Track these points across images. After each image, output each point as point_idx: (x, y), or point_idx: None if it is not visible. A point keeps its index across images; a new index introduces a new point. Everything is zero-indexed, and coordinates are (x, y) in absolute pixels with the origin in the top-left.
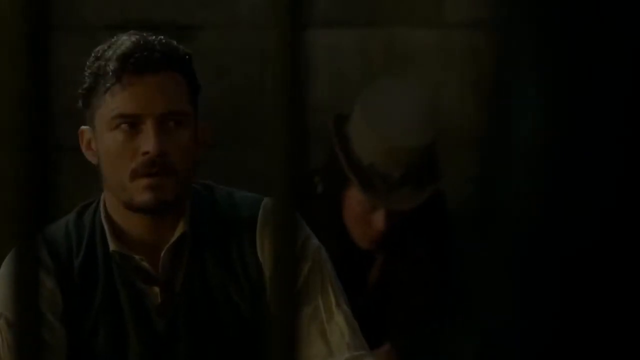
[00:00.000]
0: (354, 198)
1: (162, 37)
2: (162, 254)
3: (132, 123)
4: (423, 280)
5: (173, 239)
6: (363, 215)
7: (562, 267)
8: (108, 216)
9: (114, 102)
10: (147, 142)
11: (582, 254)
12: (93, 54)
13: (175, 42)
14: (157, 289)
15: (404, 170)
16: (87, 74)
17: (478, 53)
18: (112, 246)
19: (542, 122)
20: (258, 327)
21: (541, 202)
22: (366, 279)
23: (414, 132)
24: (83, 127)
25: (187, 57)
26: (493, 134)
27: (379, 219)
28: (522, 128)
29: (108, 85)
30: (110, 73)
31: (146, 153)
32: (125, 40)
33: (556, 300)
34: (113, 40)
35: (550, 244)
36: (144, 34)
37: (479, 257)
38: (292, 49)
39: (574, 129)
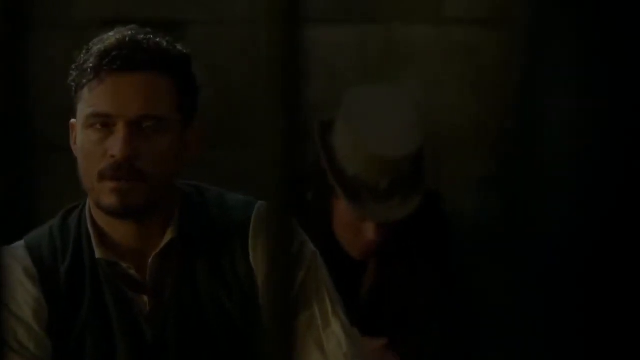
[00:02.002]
0: (343, 207)
1: (156, 36)
2: (149, 261)
3: (105, 123)
4: (420, 285)
5: (161, 245)
6: (353, 225)
7: (591, 273)
8: (93, 221)
9: (90, 99)
10: (115, 145)
11: (612, 260)
12: (85, 47)
13: (168, 43)
14: (145, 297)
15: (390, 181)
16: (74, 66)
17: (478, 50)
18: (98, 253)
19: (573, 123)
20: (250, 336)
21: (573, 206)
22: (359, 287)
23: (399, 142)
24: (73, 120)
25: (181, 59)
26: (522, 134)
27: (369, 229)
28: (553, 128)
29: (85, 81)
30: (89, 69)
31: (113, 156)
32: (111, 36)
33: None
34: (108, 35)
35: (579, 251)
36: (139, 31)
37: (499, 264)
38: (289, 46)
39: (608, 129)
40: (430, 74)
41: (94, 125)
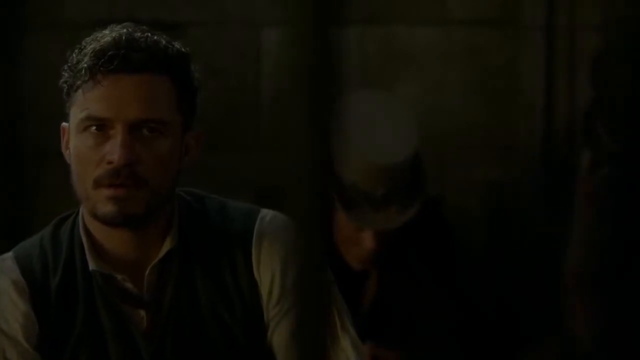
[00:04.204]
0: (341, 217)
1: (153, 34)
2: (146, 273)
3: (101, 126)
4: (423, 295)
5: (159, 256)
6: (352, 235)
7: None
8: (87, 230)
9: (85, 102)
10: (114, 150)
11: None
12: (77, 46)
13: (166, 41)
14: (142, 312)
15: (387, 189)
16: (66, 67)
17: (482, 51)
18: (91, 265)
19: None
20: (252, 351)
21: None
22: (361, 298)
23: (393, 148)
24: (64, 123)
25: (180, 57)
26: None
27: (368, 238)
28: None
29: (79, 82)
30: (84, 70)
31: (111, 162)
32: (106, 35)
33: None
34: (102, 33)
35: None
36: (135, 29)
37: None
38: (317, 47)
39: None
40: (433, 77)
41: (88, 129)
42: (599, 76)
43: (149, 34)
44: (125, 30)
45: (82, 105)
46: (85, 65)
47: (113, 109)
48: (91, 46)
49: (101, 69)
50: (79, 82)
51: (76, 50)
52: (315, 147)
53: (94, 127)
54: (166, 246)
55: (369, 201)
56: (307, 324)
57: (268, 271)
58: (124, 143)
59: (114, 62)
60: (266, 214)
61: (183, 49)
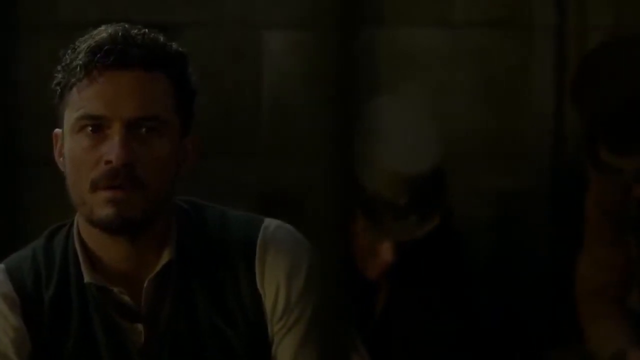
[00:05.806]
0: (360, 227)
1: (151, 31)
2: (144, 286)
3: (98, 125)
4: (430, 310)
5: (157, 268)
6: (370, 245)
7: None
8: (82, 241)
9: (80, 100)
10: (111, 150)
11: None
12: (71, 46)
13: (164, 39)
14: (140, 327)
15: (410, 198)
16: (59, 68)
17: (490, 54)
18: (87, 277)
19: None
20: None
21: None
22: (372, 308)
23: (419, 156)
24: (57, 130)
25: (178, 57)
26: None
27: (386, 250)
28: None
29: (73, 80)
30: (79, 67)
31: (109, 162)
32: (102, 31)
33: None
34: (97, 30)
35: None
36: (131, 27)
37: None
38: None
39: None
40: (438, 80)
41: (84, 130)
42: (582, 96)
43: (146, 31)
44: (121, 27)
45: (77, 104)
46: (80, 62)
47: (110, 107)
48: (86, 43)
49: (97, 64)
50: (73, 80)
51: (69, 50)
52: (338, 155)
53: (89, 128)
54: (164, 258)
55: (390, 210)
56: (325, 340)
57: (272, 284)
58: (122, 142)
59: (111, 57)
60: (269, 223)
61: (181, 49)
